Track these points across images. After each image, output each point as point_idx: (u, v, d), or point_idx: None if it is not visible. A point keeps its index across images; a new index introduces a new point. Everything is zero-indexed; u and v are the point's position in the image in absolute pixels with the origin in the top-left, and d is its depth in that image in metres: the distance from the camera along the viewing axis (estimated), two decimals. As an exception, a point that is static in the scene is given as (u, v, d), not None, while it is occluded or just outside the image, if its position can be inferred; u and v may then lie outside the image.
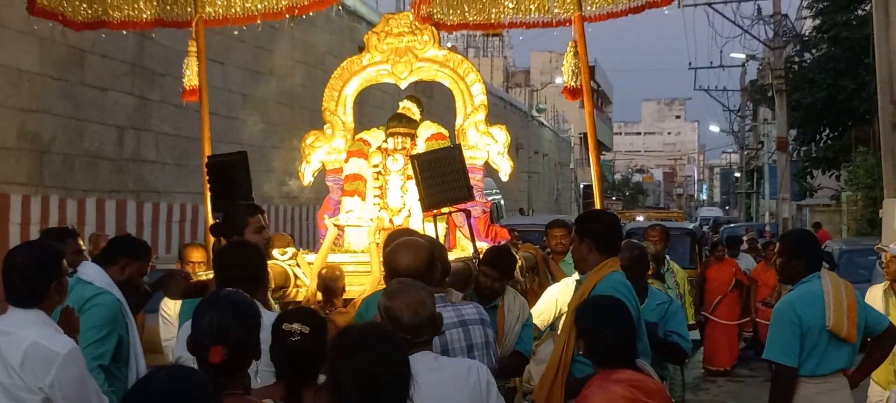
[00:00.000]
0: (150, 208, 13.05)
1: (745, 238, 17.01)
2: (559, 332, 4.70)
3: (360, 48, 7.01)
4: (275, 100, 16.71)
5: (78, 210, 11.40)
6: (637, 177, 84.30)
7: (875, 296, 5.93)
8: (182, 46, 7.04)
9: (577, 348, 3.81)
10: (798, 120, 25.15)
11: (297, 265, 5.47)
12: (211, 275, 4.57)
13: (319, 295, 5.49)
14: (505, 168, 6.44)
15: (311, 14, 7.53)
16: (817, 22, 24.15)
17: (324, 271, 5.51)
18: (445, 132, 6.47)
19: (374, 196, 6.28)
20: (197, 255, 6.37)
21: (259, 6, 6.93)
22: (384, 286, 3.79)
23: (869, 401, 5.96)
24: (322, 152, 6.65)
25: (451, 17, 6.94)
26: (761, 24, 28.62)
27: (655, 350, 4.95)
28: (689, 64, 47.77)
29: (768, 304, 10.65)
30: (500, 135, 6.51)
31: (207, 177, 5.92)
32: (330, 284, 5.51)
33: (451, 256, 5.24)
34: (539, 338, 5.41)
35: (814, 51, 25.46)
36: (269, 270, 4.51)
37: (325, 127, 6.71)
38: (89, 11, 6.90)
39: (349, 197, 6.29)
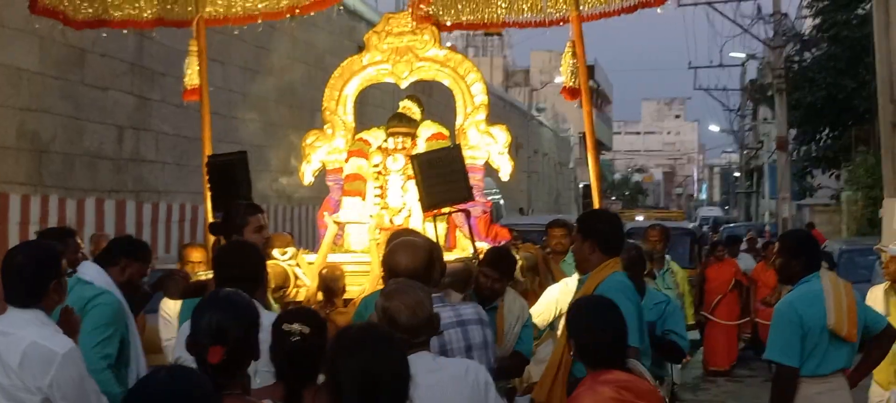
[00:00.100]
0: (149, 208, 13.03)
1: (745, 238, 17.00)
2: (559, 332, 4.70)
3: (360, 48, 7.01)
4: (274, 99, 16.70)
5: (77, 210, 11.39)
6: (637, 177, 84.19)
7: (876, 297, 5.94)
8: (182, 46, 7.03)
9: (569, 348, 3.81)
10: (798, 119, 25.09)
11: (298, 265, 5.46)
12: (210, 275, 4.57)
13: (320, 295, 5.49)
14: (505, 168, 6.43)
15: (311, 14, 7.52)
16: (817, 21, 24.10)
17: (324, 271, 5.51)
18: (446, 132, 6.46)
19: (375, 196, 6.27)
20: (196, 255, 6.37)
21: (260, 6, 6.93)
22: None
23: (870, 401, 5.97)
24: (322, 152, 6.64)
25: (445, 18, 6.95)
26: (761, 24, 28.58)
27: (653, 348, 4.97)
28: (689, 63, 47.55)
29: (768, 304, 10.64)
30: (501, 134, 6.50)
31: (207, 177, 5.92)
32: (331, 284, 5.52)
33: (452, 256, 5.25)
34: (539, 338, 5.42)
35: (814, 50, 25.40)
36: (269, 270, 4.51)
37: (326, 127, 6.70)
38: (90, 10, 6.89)
39: (349, 196, 6.29)
